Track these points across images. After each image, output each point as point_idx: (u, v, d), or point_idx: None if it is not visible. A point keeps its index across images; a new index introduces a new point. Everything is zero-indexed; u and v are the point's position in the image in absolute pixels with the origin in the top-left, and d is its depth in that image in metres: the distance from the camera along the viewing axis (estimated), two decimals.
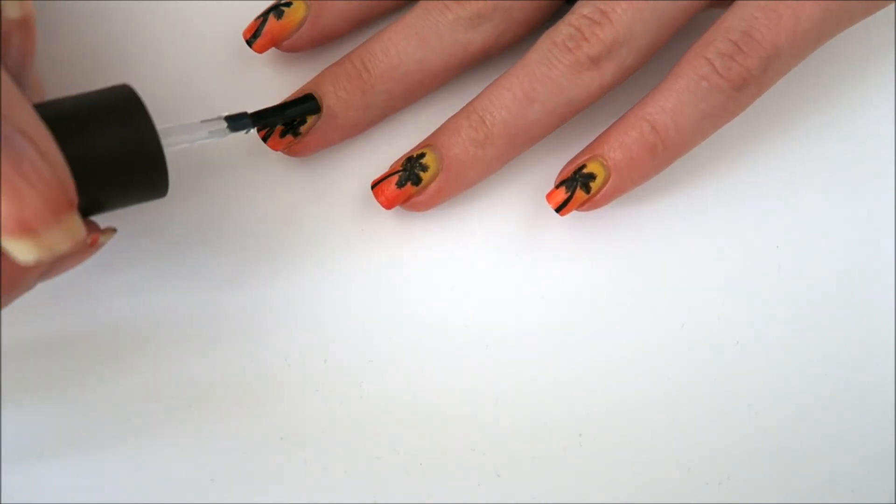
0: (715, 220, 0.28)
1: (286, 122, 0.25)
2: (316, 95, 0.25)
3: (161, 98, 0.27)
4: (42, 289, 0.22)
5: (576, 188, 0.25)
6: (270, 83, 0.27)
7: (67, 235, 0.18)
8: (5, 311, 0.25)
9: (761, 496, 0.26)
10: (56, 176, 0.18)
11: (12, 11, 0.20)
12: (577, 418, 0.26)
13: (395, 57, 0.25)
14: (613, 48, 0.24)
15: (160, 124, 0.21)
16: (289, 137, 0.25)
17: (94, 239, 0.21)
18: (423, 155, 0.25)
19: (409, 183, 0.25)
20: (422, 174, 0.25)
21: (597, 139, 0.26)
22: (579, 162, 0.26)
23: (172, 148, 0.22)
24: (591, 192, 0.25)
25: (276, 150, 0.26)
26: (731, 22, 0.24)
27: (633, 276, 0.27)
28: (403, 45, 0.25)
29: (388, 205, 0.26)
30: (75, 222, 0.18)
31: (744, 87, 0.24)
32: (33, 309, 0.25)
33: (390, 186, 0.25)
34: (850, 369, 0.27)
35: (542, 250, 0.27)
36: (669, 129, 0.25)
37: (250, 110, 0.24)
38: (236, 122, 0.23)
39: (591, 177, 0.25)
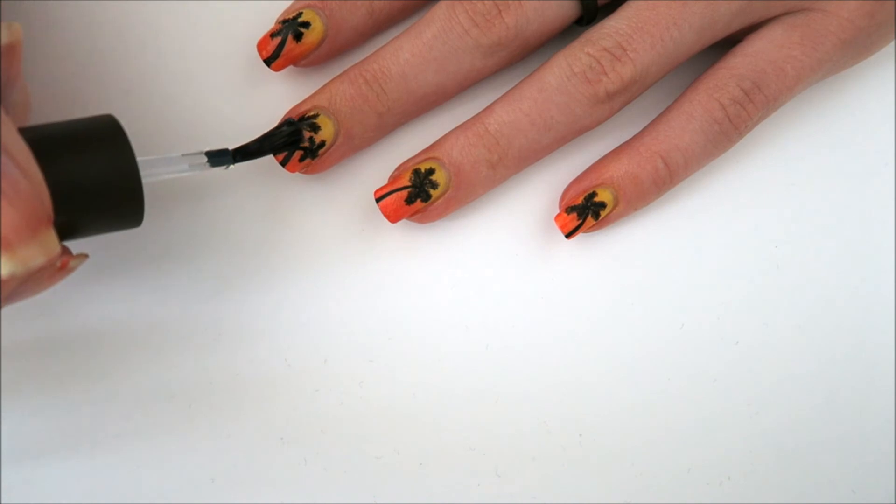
0: (714, 220, 0.28)
1: (274, 151, 0.25)
2: (332, 115, 0.25)
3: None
4: None
5: (587, 216, 0.26)
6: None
7: (42, 250, 0.18)
8: (5, 311, 0.25)
9: (761, 496, 0.26)
10: (34, 192, 0.18)
11: (2, 37, 0.21)
12: (577, 418, 0.26)
13: (412, 81, 0.25)
14: (630, 86, 0.25)
15: (146, 148, 0.21)
16: (307, 161, 0.25)
17: (65, 263, 0.21)
18: (432, 171, 0.25)
19: (418, 200, 0.25)
20: (432, 191, 0.25)
21: (606, 163, 0.26)
22: (588, 186, 0.26)
23: (151, 179, 0.22)
24: (600, 218, 0.26)
25: (292, 172, 0.25)
26: (742, 70, 0.25)
27: (633, 276, 0.27)
28: (421, 69, 0.25)
29: (395, 219, 0.25)
30: (51, 238, 0.18)
31: (743, 132, 0.26)
32: (33, 309, 0.25)
33: (399, 202, 0.25)
34: (849, 369, 0.27)
35: (542, 250, 0.27)
36: (679, 165, 0.26)
37: (243, 135, 0.24)
38: (217, 158, 0.23)
39: (602, 206, 0.26)
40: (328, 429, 0.26)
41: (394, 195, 0.25)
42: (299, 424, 0.26)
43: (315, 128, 0.25)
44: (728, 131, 0.26)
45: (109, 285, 0.26)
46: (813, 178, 0.28)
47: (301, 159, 0.25)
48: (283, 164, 0.25)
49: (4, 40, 0.21)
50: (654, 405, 0.27)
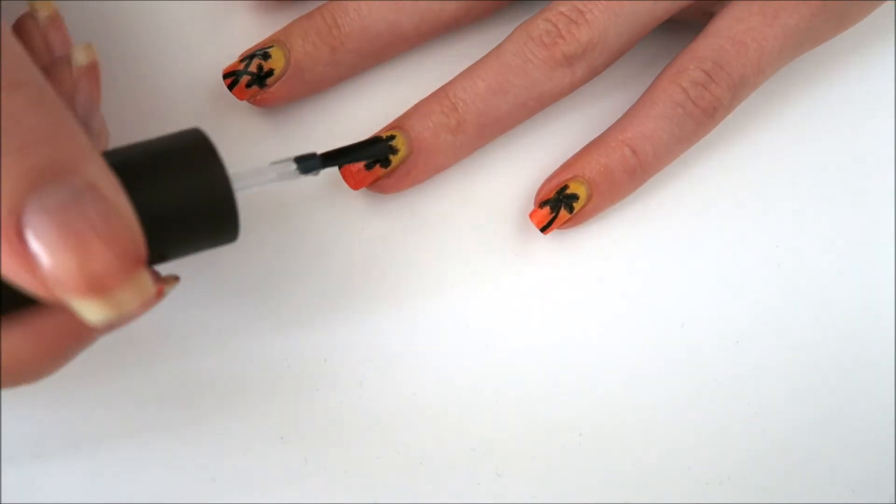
0: (715, 219, 0.28)
1: (368, 160, 0.25)
2: (284, 46, 0.25)
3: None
4: None
5: (560, 209, 0.26)
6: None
7: (137, 294, 0.17)
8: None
9: (761, 496, 0.26)
10: (127, 231, 0.17)
11: (81, 58, 0.21)
12: (577, 418, 0.26)
13: (367, 16, 0.25)
14: (588, 49, 0.25)
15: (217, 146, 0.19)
16: (255, 88, 0.25)
17: (160, 290, 0.20)
18: (392, 137, 0.25)
19: (377, 165, 0.25)
20: (392, 157, 0.25)
21: (576, 158, 0.26)
22: (560, 181, 0.26)
23: (241, 192, 0.20)
24: (574, 211, 0.26)
25: (241, 99, 0.25)
26: (702, 52, 0.25)
27: (633, 275, 0.27)
28: (377, 6, 0.25)
29: (356, 186, 0.25)
30: (145, 279, 0.17)
31: (714, 114, 0.26)
32: None
33: (359, 168, 0.25)
34: (849, 369, 0.27)
35: (543, 250, 0.27)
36: (648, 153, 0.26)
37: (319, 150, 0.23)
38: (305, 163, 0.22)
39: (575, 197, 0.26)
40: (328, 429, 0.26)
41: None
42: (299, 424, 0.26)
43: (266, 57, 0.25)
44: (695, 115, 0.25)
45: None
46: (814, 177, 0.28)
47: (248, 85, 0.25)
48: (231, 88, 0.25)
49: (83, 61, 0.20)
50: (653, 405, 0.27)
